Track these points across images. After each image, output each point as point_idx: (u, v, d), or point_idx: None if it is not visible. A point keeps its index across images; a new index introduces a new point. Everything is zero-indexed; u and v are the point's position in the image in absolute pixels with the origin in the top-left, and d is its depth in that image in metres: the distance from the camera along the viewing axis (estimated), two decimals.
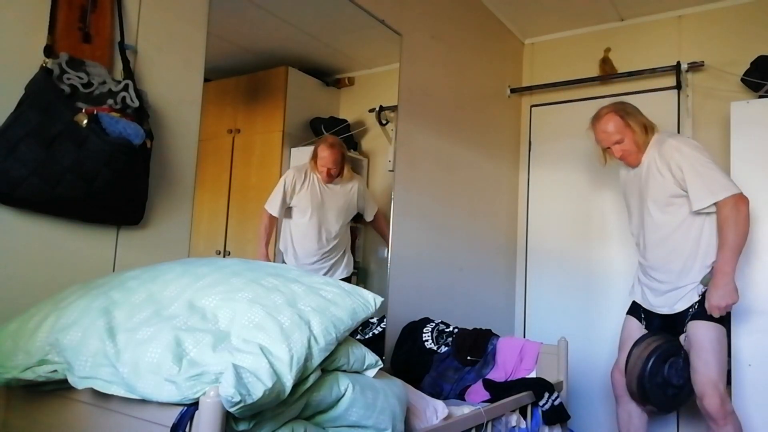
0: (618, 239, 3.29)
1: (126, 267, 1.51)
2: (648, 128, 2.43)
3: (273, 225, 2.15)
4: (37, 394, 1.16)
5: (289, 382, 0.96)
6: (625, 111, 2.43)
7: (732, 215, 2.19)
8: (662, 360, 2.33)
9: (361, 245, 2.55)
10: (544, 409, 2.05)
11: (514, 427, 1.94)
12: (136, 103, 1.51)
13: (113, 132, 1.43)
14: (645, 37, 3.39)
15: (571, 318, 3.40)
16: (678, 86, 3.16)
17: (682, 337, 2.34)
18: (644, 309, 2.48)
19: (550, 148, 3.63)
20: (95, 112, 1.42)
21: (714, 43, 3.16)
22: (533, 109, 3.73)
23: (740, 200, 2.21)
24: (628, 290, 2.66)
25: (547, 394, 2.06)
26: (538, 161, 3.67)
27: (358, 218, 2.49)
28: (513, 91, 3.65)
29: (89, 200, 1.41)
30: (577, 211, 3.49)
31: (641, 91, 3.27)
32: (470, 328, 2.40)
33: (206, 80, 1.82)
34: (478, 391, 2.11)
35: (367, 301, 1.22)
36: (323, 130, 2.34)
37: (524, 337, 3.52)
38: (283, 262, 2.20)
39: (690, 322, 2.28)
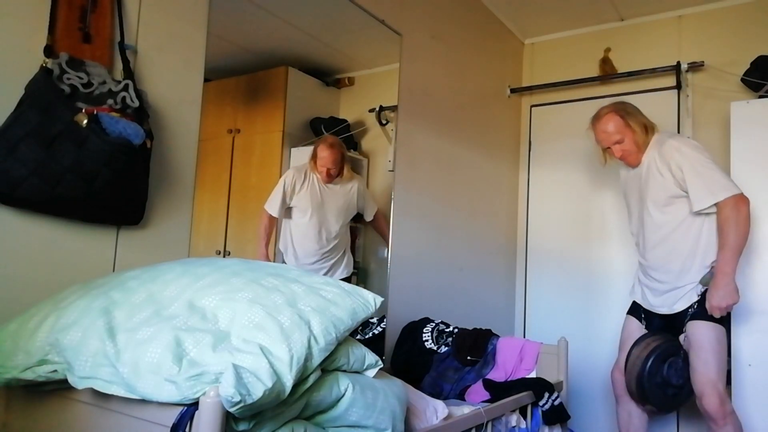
0: (618, 239, 3.29)
1: (126, 267, 1.51)
2: (648, 128, 2.43)
3: (273, 225, 2.15)
4: (37, 394, 1.16)
5: (289, 382, 0.96)
6: (625, 111, 2.43)
7: (732, 216, 2.19)
8: (661, 360, 2.33)
9: (361, 245, 2.55)
10: (544, 409, 2.05)
11: (514, 427, 1.94)
12: (136, 103, 1.51)
13: (113, 132, 1.43)
14: (645, 37, 3.39)
15: (571, 318, 3.40)
16: (678, 86, 3.16)
17: (681, 337, 2.34)
18: (644, 309, 2.48)
19: (550, 148, 3.63)
20: (95, 112, 1.42)
21: (714, 43, 3.16)
22: (533, 109, 3.73)
23: (741, 200, 2.21)
24: (628, 290, 2.66)
25: (547, 394, 2.06)
26: (538, 161, 3.67)
27: (358, 218, 2.49)
28: (513, 91, 3.65)
29: (89, 200, 1.41)
30: (577, 211, 3.49)
31: (641, 91, 3.27)
32: (470, 328, 2.40)
33: (206, 80, 1.82)
34: (478, 391, 2.11)
35: (367, 301, 1.22)
36: (323, 130, 2.34)
37: (524, 337, 3.52)
38: (283, 262, 2.20)
39: (689, 322, 2.28)
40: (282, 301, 1.09)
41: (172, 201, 1.72)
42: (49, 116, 1.35)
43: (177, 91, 1.73)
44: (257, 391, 0.90)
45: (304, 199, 2.23)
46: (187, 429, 0.93)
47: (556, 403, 2.07)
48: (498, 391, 2.03)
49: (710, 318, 2.22)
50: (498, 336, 2.34)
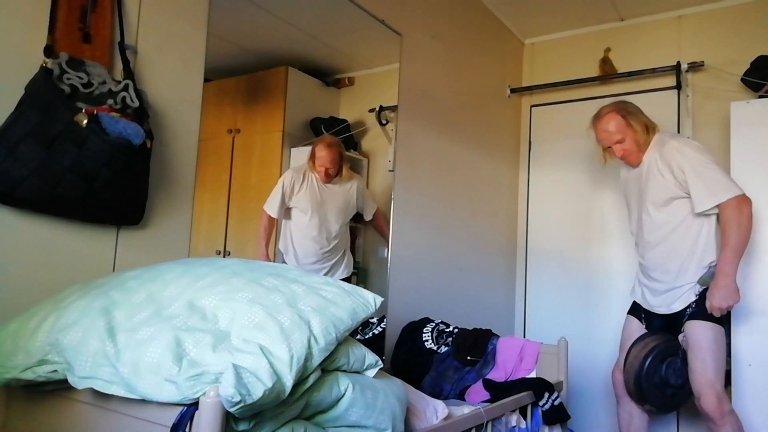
0: (618, 239, 3.29)
1: (126, 267, 1.51)
2: (649, 128, 2.43)
3: (272, 225, 2.15)
4: (37, 394, 1.16)
5: (289, 382, 0.96)
6: (626, 110, 2.43)
7: (734, 216, 2.19)
8: (660, 360, 2.33)
9: (361, 245, 2.55)
10: (544, 409, 2.05)
11: (514, 427, 1.94)
12: (136, 103, 1.51)
13: (113, 132, 1.43)
14: (645, 37, 3.39)
15: (571, 318, 3.40)
16: (678, 86, 3.16)
17: (680, 337, 2.34)
18: (644, 309, 2.48)
19: (550, 148, 3.63)
20: (95, 112, 1.42)
21: (714, 43, 3.16)
22: (533, 109, 3.73)
23: (743, 201, 2.20)
24: (628, 290, 2.66)
25: (547, 394, 2.06)
26: (538, 161, 3.67)
27: (358, 218, 2.49)
28: (513, 91, 3.65)
29: (89, 200, 1.41)
30: (577, 211, 3.49)
31: (641, 91, 3.27)
32: (470, 328, 2.40)
33: (206, 80, 1.82)
34: (478, 391, 2.11)
35: (367, 301, 1.22)
36: (323, 130, 2.34)
37: (524, 337, 3.52)
38: (284, 262, 2.20)
39: (687, 322, 2.28)
40: (282, 301, 1.09)
41: (172, 201, 1.72)
42: (49, 116, 1.35)
43: (177, 91, 1.73)
44: (257, 391, 0.90)
45: (304, 199, 2.23)
46: (187, 429, 0.93)
47: (556, 403, 2.07)
48: (498, 391, 2.03)
49: (708, 318, 2.22)
50: (498, 336, 2.34)
